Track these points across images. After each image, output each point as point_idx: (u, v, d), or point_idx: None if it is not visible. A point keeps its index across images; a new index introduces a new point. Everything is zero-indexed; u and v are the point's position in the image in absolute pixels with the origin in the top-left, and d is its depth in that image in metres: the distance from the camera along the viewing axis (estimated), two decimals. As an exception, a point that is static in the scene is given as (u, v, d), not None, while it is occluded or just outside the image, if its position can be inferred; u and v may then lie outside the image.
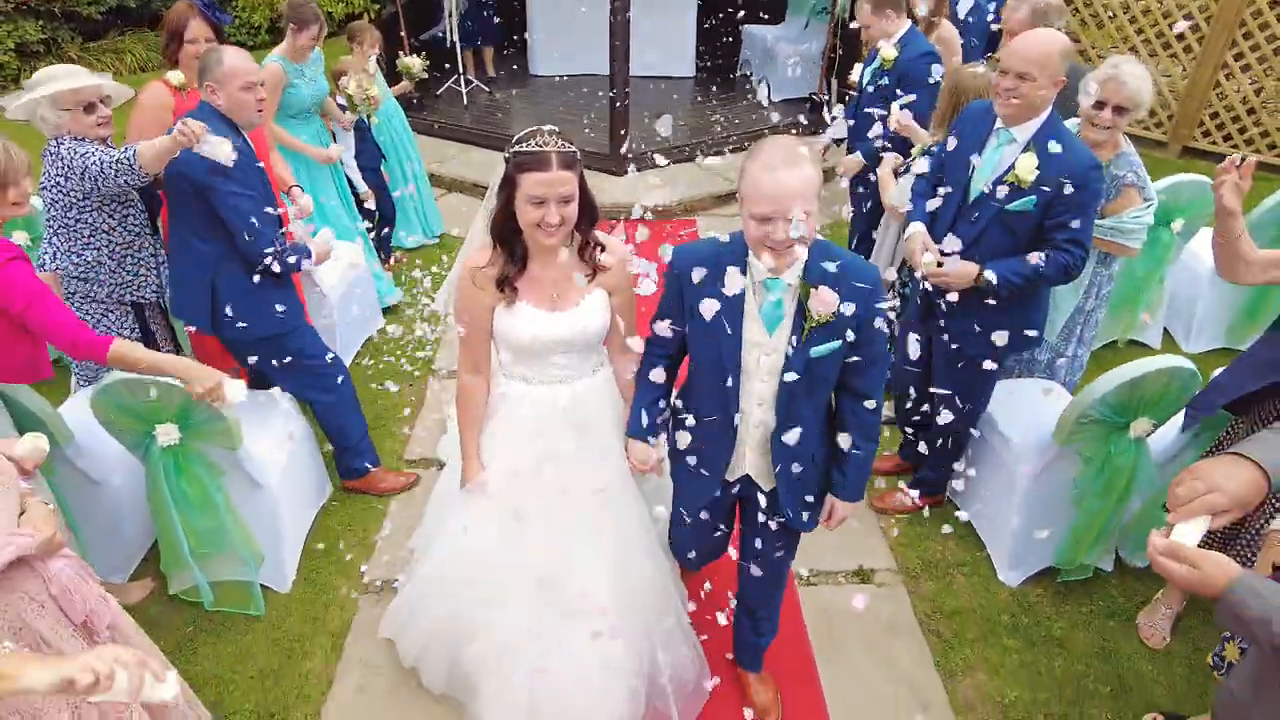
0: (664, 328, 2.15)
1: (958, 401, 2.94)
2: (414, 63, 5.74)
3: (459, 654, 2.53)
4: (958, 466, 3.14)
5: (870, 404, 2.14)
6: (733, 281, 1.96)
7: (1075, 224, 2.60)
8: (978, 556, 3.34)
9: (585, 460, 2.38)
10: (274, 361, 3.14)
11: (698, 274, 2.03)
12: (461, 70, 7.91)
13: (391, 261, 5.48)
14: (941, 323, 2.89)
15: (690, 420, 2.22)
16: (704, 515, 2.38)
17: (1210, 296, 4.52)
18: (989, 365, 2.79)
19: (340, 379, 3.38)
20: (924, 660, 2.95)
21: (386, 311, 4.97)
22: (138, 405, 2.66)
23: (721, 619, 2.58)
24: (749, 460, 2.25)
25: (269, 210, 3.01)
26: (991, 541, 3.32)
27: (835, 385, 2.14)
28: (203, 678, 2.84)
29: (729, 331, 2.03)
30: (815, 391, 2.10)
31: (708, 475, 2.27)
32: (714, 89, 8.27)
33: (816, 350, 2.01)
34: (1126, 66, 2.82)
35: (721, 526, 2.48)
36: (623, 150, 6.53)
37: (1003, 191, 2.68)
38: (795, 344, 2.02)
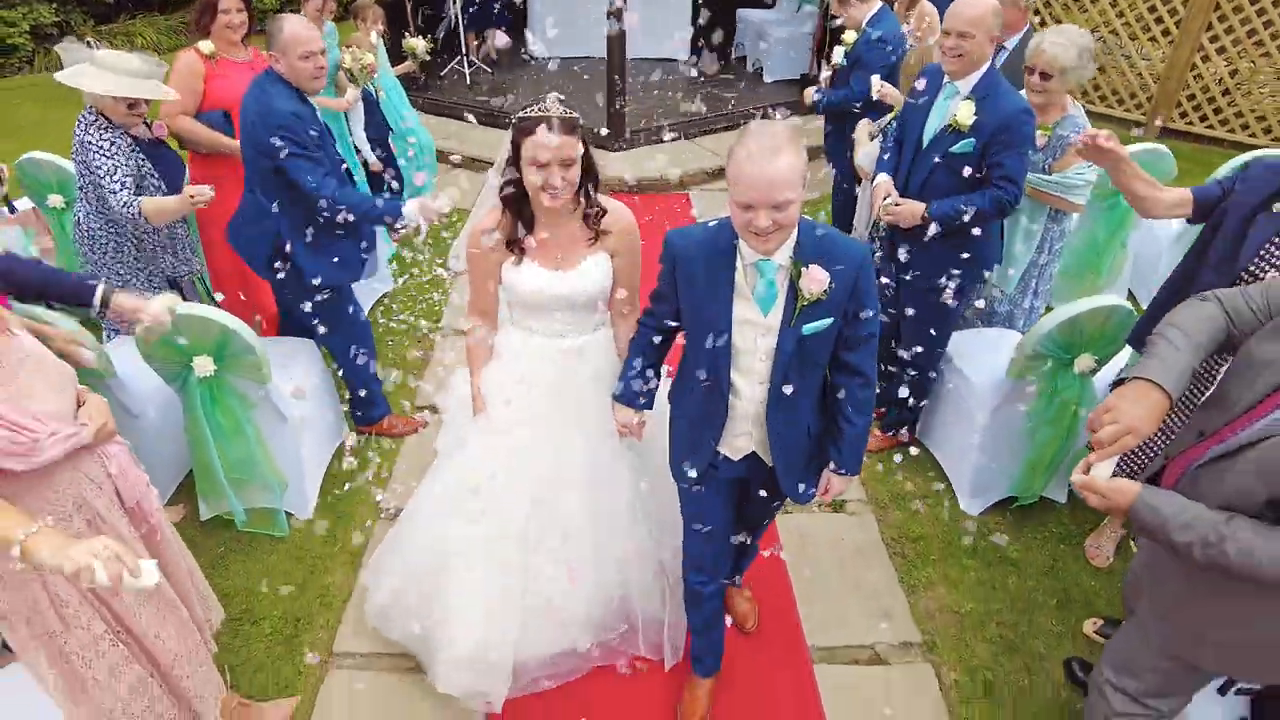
0: (659, 304, 2.28)
1: (922, 339, 3.24)
2: (418, 44, 5.99)
3: (433, 588, 2.68)
4: (922, 405, 3.44)
5: (863, 380, 2.19)
6: (725, 265, 2.07)
7: (1008, 163, 2.94)
8: (942, 489, 3.64)
9: (579, 410, 2.58)
10: (315, 310, 3.35)
11: (690, 259, 2.12)
12: (464, 52, 8.18)
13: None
14: (903, 260, 3.20)
15: (688, 394, 2.29)
16: (706, 490, 2.41)
17: (1171, 259, 4.78)
18: (946, 298, 3.09)
19: (366, 336, 3.68)
20: (889, 578, 3.25)
21: (395, 274, 5.27)
22: (177, 340, 2.93)
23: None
24: (755, 438, 2.31)
25: (330, 167, 3.21)
26: (954, 474, 3.61)
27: (829, 362, 2.20)
28: (233, 590, 3.14)
29: (721, 314, 2.11)
30: (809, 369, 2.16)
31: (700, 446, 2.33)
32: (710, 73, 8.53)
33: (809, 327, 2.07)
34: (1050, 34, 3.11)
35: (722, 513, 2.48)
36: (619, 128, 6.82)
37: (947, 136, 3.02)
38: (788, 322, 2.08)
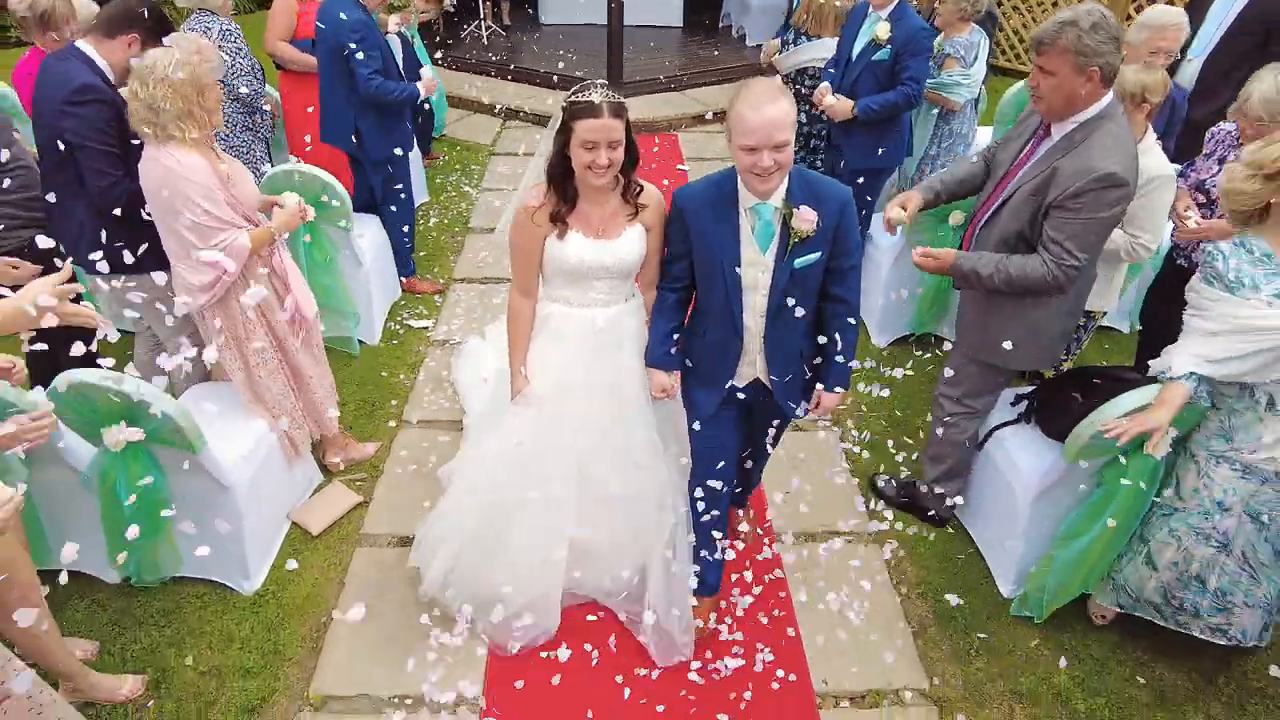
0: (674, 265, 2.53)
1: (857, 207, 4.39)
2: None
3: (489, 562, 2.85)
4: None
5: (848, 308, 2.48)
6: (729, 210, 2.35)
7: (913, 65, 4.06)
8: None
9: (615, 373, 2.73)
10: (379, 176, 4.50)
11: (698, 210, 2.38)
12: (481, 18, 9.27)
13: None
14: (839, 146, 4.37)
15: (701, 337, 2.56)
16: (719, 418, 2.65)
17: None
18: (872, 176, 4.26)
19: (410, 205, 4.83)
20: (812, 385, 4.34)
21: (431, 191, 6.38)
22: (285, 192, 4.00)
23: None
24: (758, 365, 2.56)
25: (384, 68, 4.31)
26: (867, 316, 4.72)
27: (820, 295, 2.47)
28: (324, 386, 4.23)
29: (729, 254, 2.36)
30: (803, 299, 2.40)
31: (716, 382, 2.60)
32: (699, 37, 9.63)
33: (800, 261, 2.32)
34: None
35: (734, 435, 2.74)
36: (618, 78, 7.90)
37: (870, 49, 4.15)
38: (782, 257, 2.33)
